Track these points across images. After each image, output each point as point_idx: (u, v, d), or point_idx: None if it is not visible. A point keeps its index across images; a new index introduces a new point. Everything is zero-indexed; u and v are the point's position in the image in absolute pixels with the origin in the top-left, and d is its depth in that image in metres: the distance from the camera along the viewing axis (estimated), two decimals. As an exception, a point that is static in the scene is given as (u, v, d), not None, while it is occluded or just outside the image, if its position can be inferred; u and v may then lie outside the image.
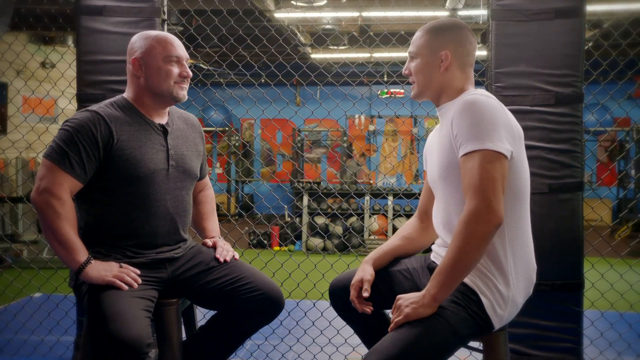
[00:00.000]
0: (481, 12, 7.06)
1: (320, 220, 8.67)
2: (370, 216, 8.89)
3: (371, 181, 10.55)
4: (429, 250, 2.21)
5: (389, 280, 2.12)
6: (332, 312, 3.33)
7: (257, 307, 2.22)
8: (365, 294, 2.04)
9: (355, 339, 3.26)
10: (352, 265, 3.48)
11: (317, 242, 8.45)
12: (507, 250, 1.85)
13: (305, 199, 8.73)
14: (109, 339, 1.85)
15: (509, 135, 1.81)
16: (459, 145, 1.82)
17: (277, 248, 8.59)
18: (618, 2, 6.88)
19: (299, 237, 8.83)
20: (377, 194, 8.87)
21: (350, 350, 3.33)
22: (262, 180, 11.24)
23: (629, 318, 3.23)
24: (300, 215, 8.82)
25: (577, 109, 2.83)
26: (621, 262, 3.32)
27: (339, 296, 2.18)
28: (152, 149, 2.19)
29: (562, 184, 2.82)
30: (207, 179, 2.55)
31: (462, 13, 7.20)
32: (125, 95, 2.28)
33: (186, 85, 2.25)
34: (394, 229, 8.72)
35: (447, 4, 7.02)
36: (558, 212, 2.82)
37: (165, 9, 3.04)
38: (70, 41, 9.66)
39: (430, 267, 2.06)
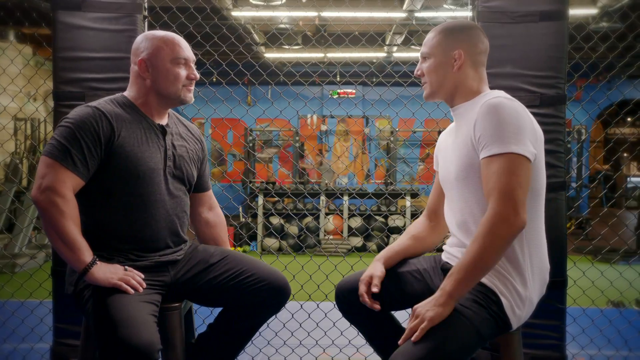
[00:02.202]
0: (440, 14, 7.17)
1: (275, 221, 8.63)
2: (325, 216, 8.90)
3: (326, 181, 10.55)
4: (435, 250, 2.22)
5: (399, 281, 2.11)
6: (319, 314, 3.34)
7: (264, 297, 2.19)
8: (375, 289, 2.04)
9: (343, 340, 3.28)
10: (339, 266, 3.49)
11: (272, 242, 8.40)
12: (525, 251, 1.87)
13: (261, 199, 8.67)
14: (120, 346, 1.79)
15: (532, 138, 1.83)
16: (482, 147, 1.82)
17: (232, 248, 8.50)
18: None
19: (253, 237, 8.78)
20: (331, 194, 8.89)
21: (337, 351, 3.31)
22: (214, 181, 11.10)
23: (609, 314, 3.33)
24: (254, 216, 8.76)
25: (560, 110, 2.88)
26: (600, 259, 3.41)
27: (346, 298, 2.16)
28: (150, 147, 2.14)
29: (547, 184, 2.86)
30: (211, 193, 2.49)
31: (422, 15, 7.28)
32: (126, 94, 2.22)
33: (193, 88, 2.21)
34: (349, 229, 8.76)
35: (405, 6, 7.09)
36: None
37: (146, 5, 2.95)
38: (11, 36, 9.32)
39: (444, 268, 2.06)
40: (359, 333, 2.27)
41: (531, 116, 1.91)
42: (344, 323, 3.26)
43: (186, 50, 2.17)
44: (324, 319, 3.29)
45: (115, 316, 1.85)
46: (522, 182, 1.77)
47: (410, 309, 2.13)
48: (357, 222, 8.76)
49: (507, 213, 1.74)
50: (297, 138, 11.29)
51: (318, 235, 8.67)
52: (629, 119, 14.25)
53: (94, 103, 2.12)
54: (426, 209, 2.27)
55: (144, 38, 2.18)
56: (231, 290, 2.18)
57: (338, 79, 10.55)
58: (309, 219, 8.75)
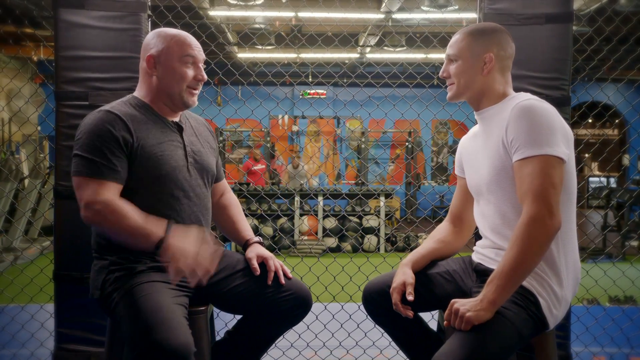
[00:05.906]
0: (415, 16, 7.22)
1: (250, 222, 8.58)
2: (300, 216, 8.88)
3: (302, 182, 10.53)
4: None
5: (429, 283, 2.11)
6: (324, 315, 3.32)
7: (288, 307, 2.15)
8: (410, 298, 2.01)
9: (338, 342, 3.27)
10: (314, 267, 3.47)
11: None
12: (560, 251, 1.88)
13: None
14: (157, 349, 1.74)
15: (564, 139, 1.84)
16: (515, 150, 1.83)
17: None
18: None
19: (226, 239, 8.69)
20: (306, 195, 8.87)
21: (344, 353, 3.30)
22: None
23: (612, 312, 3.39)
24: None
25: (565, 112, 2.92)
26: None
27: (376, 300, 2.14)
28: (170, 145, 2.11)
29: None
30: (225, 182, 2.46)
31: (397, 16, 7.31)
32: (136, 94, 2.18)
33: (198, 91, 2.17)
34: (324, 230, 8.75)
35: (383, 7, 7.12)
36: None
37: (150, 3, 2.90)
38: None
39: (478, 269, 2.05)
40: (388, 335, 2.25)
41: (561, 117, 1.93)
42: (316, 326, 3.28)
43: (196, 50, 2.13)
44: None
45: (150, 319, 1.80)
46: (555, 183, 1.78)
47: (439, 310, 2.15)
48: (331, 222, 8.77)
49: (542, 215, 1.75)
50: (268, 138, 11.24)
51: (292, 236, 8.65)
52: (589, 121, 14.57)
53: (106, 106, 2.07)
54: (449, 214, 2.26)
55: (155, 35, 2.14)
56: (255, 297, 2.15)
57: (310, 79, 10.53)
58: (283, 220, 8.71)
